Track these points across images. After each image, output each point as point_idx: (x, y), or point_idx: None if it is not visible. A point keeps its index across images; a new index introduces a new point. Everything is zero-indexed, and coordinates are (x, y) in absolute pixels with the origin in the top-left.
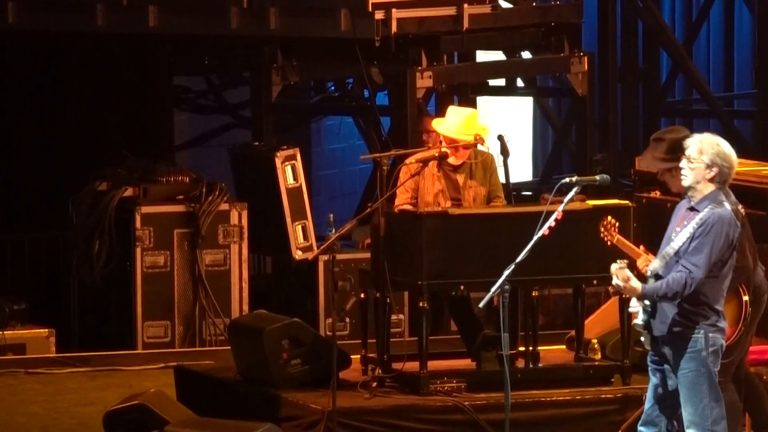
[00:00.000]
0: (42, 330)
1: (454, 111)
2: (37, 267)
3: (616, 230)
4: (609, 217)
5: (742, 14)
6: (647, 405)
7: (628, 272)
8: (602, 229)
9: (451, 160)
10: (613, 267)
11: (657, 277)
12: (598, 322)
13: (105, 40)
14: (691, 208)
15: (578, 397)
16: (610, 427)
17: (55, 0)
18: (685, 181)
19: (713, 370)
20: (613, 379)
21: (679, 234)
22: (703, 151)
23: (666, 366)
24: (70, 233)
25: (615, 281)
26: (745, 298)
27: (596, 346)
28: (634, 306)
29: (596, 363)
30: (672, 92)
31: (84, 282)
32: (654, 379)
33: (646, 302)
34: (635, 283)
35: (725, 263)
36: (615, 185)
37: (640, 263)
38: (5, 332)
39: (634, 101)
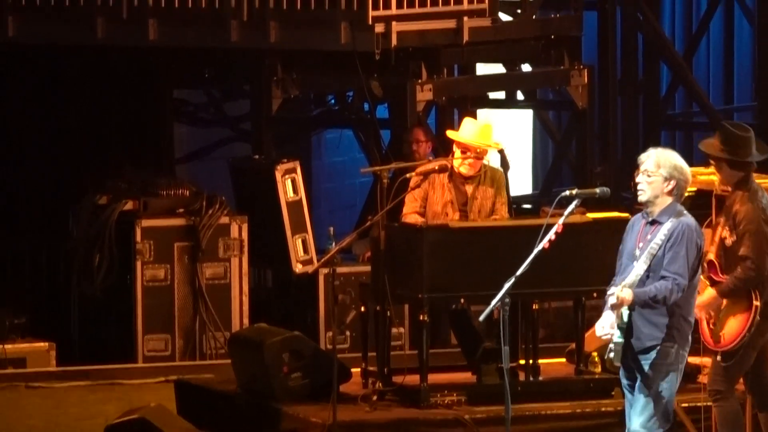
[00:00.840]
0: (42, 343)
1: (470, 121)
2: (37, 280)
3: None
4: None
5: (742, 27)
6: (628, 422)
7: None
8: None
9: (463, 169)
10: (613, 290)
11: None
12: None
13: (105, 52)
14: (652, 222)
15: (578, 411)
16: None
17: (55, 13)
18: (643, 196)
19: (673, 388)
20: (613, 393)
21: (646, 250)
22: (660, 164)
23: (635, 381)
24: (70, 246)
25: (604, 321)
26: (756, 303)
27: (596, 359)
28: (604, 331)
29: (596, 376)
30: (672, 105)
31: (84, 295)
32: (628, 396)
33: (624, 319)
34: (626, 292)
35: (695, 271)
36: (615, 198)
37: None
38: (5, 346)
39: (634, 114)
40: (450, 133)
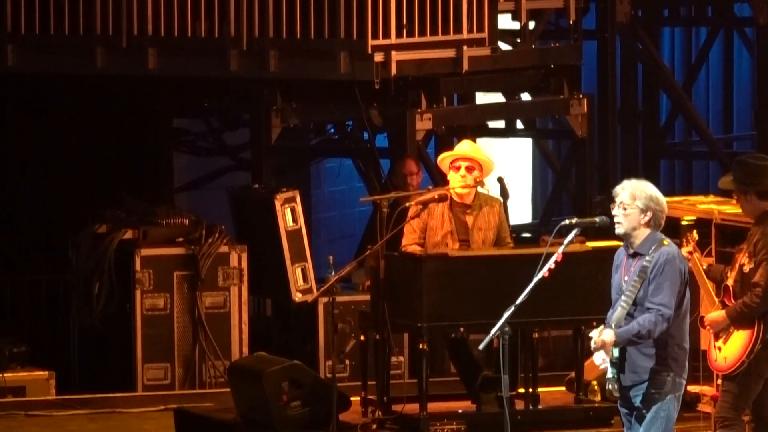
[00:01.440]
0: (42, 372)
1: (463, 142)
2: (36, 309)
3: (695, 246)
4: (694, 231)
5: (741, 56)
6: None
7: (600, 330)
8: (684, 241)
9: (460, 190)
10: (594, 333)
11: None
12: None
13: (104, 82)
14: (634, 254)
15: None
16: None
17: (55, 42)
18: (620, 229)
19: (673, 415)
20: (612, 421)
21: (630, 283)
22: (636, 196)
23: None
24: (69, 275)
25: (601, 354)
26: (760, 330)
27: (596, 387)
28: (600, 360)
29: (596, 404)
30: (672, 134)
31: (84, 324)
32: (627, 425)
33: (615, 354)
34: (608, 334)
35: (683, 298)
36: (614, 227)
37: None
38: (5, 375)
39: (633, 143)
40: (441, 157)
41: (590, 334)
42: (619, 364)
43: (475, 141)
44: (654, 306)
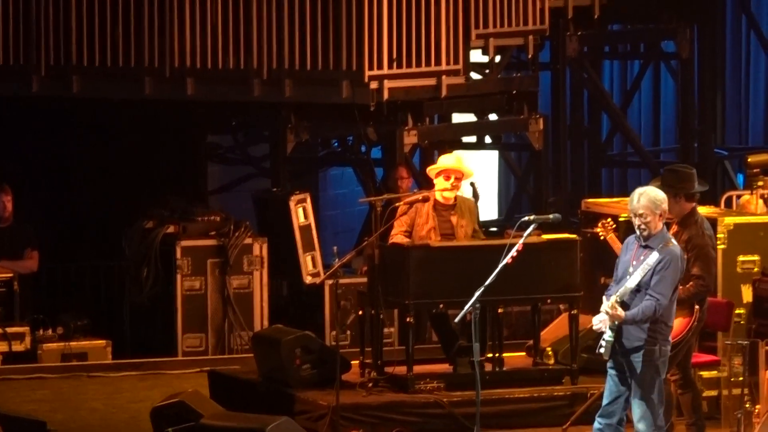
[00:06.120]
0: (101, 341)
1: (446, 155)
2: (96, 290)
3: (612, 230)
4: (609, 219)
5: (667, 84)
6: (605, 401)
7: (616, 305)
8: (600, 226)
9: (446, 194)
10: (607, 304)
11: (622, 303)
12: (552, 334)
13: (151, 105)
14: (645, 246)
15: (535, 395)
16: (561, 419)
17: (111, 72)
18: (646, 232)
19: (662, 376)
20: (563, 380)
21: (638, 269)
22: (651, 207)
23: (621, 372)
24: (123, 262)
25: (599, 318)
26: (696, 307)
27: (550, 353)
28: (598, 323)
29: (550, 367)
30: (611, 147)
31: (134, 302)
32: (611, 381)
33: (615, 322)
34: (620, 311)
35: (675, 288)
36: (565, 223)
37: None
38: (70, 343)
39: (580, 154)
40: (430, 168)
41: (603, 306)
42: (617, 332)
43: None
44: (655, 294)
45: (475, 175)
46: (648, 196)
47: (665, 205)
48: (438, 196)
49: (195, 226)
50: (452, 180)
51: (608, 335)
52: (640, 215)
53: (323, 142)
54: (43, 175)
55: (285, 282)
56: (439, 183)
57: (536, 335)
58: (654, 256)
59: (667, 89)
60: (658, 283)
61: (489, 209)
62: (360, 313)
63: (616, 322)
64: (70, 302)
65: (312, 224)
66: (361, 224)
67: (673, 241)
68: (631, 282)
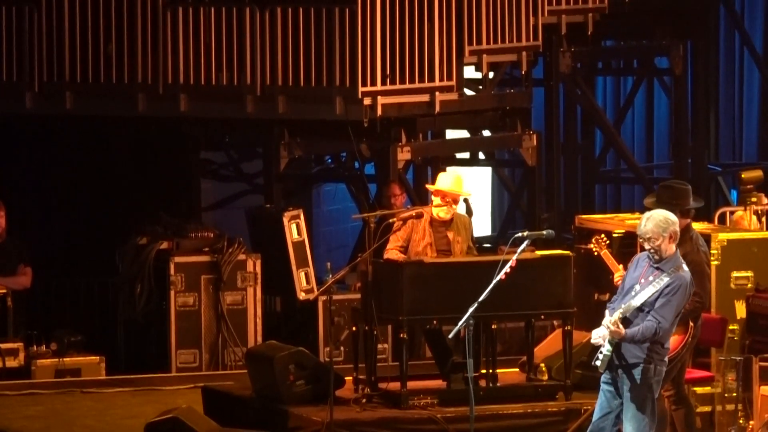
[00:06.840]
0: (94, 357)
1: (445, 175)
2: (90, 306)
3: (605, 246)
4: (603, 235)
5: (660, 100)
6: (596, 416)
7: (618, 321)
8: (593, 242)
9: (442, 213)
10: (609, 319)
11: (624, 320)
12: (545, 350)
13: (145, 122)
14: (657, 267)
15: (529, 411)
16: None
17: (104, 89)
18: (657, 256)
19: (655, 395)
20: (557, 396)
21: (645, 288)
22: (660, 231)
23: (615, 387)
24: (117, 278)
25: (599, 332)
26: (691, 324)
27: (544, 369)
28: (596, 337)
29: (544, 383)
30: (604, 163)
31: (128, 318)
32: (603, 396)
33: (615, 338)
34: (621, 329)
35: (678, 314)
36: (558, 239)
37: (615, 277)
38: (64, 359)
39: (573, 170)
40: (430, 186)
41: (604, 320)
42: (615, 347)
43: (445, 170)
44: (658, 317)
45: (471, 191)
46: (654, 220)
47: (675, 227)
48: (435, 213)
49: (188, 243)
50: (448, 200)
51: (606, 349)
52: (648, 239)
53: (317, 159)
54: (36, 191)
55: (278, 298)
56: (436, 201)
57: (530, 351)
58: (664, 279)
59: (660, 105)
60: (663, 306)
61: (482, 225)
62: (354, 329)
63: (616, 339)
64: (63, 318)
65: (305, 240)
66: (354, 240)
67: (685, 267)
68: (637, 300)
